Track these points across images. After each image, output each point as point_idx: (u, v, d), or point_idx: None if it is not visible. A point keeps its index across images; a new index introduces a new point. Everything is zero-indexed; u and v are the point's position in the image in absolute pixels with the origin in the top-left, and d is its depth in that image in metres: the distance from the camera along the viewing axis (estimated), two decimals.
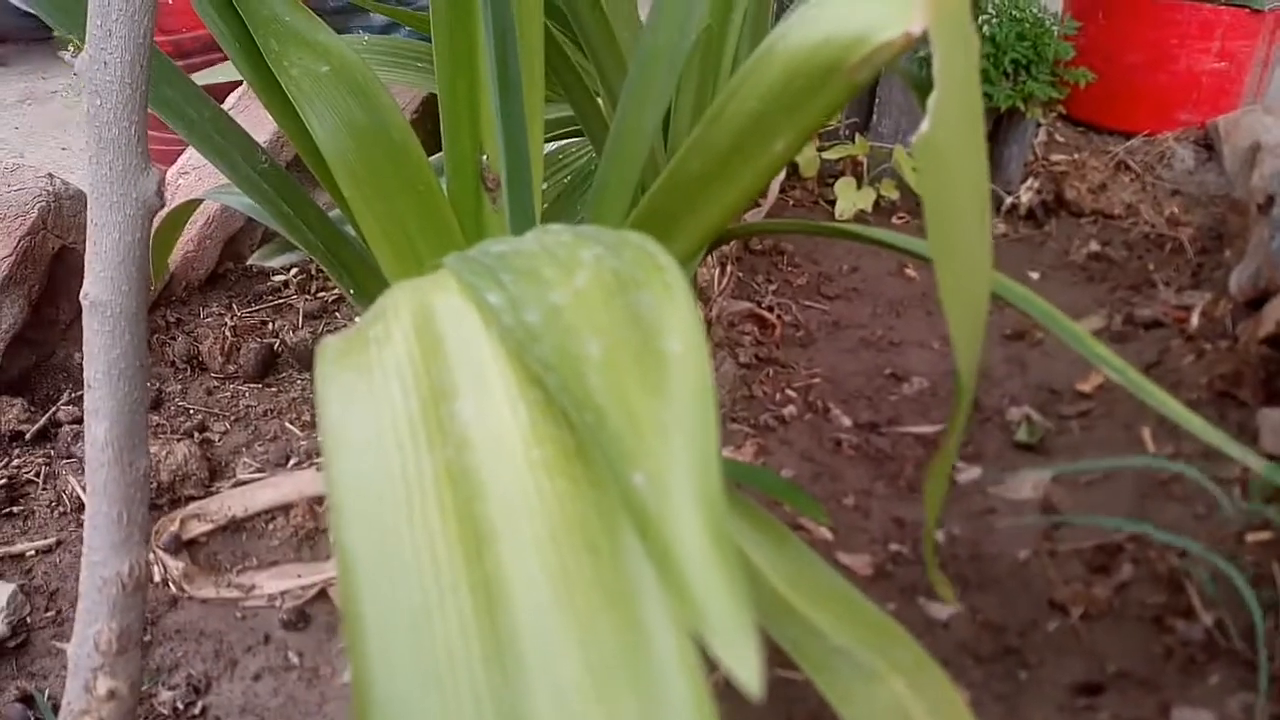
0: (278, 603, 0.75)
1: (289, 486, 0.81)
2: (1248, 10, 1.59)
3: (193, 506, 0.80)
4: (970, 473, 0.99)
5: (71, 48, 0.48)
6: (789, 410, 1.08)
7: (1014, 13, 1.39)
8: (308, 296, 1.12)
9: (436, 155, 1.25)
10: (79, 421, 0.90)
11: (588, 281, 0.32)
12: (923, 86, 0.58)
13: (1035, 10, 1.40)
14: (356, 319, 1.02)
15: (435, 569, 0.24)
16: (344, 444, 0.27)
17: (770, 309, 1.29)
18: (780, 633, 0.55)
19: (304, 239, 0.68)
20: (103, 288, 0.49)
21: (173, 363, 0.99)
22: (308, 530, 0.80)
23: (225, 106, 1.21)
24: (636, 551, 0.24)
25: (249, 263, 1.02)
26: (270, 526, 0.80)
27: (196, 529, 0.79)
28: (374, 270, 0.69)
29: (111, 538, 0.52)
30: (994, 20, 1.40)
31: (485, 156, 0.70)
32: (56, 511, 0.81)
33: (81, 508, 0.81)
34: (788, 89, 0.43)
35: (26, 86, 2.18)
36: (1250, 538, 0.79)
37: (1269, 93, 1.73)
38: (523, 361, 0.29)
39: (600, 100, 0.93)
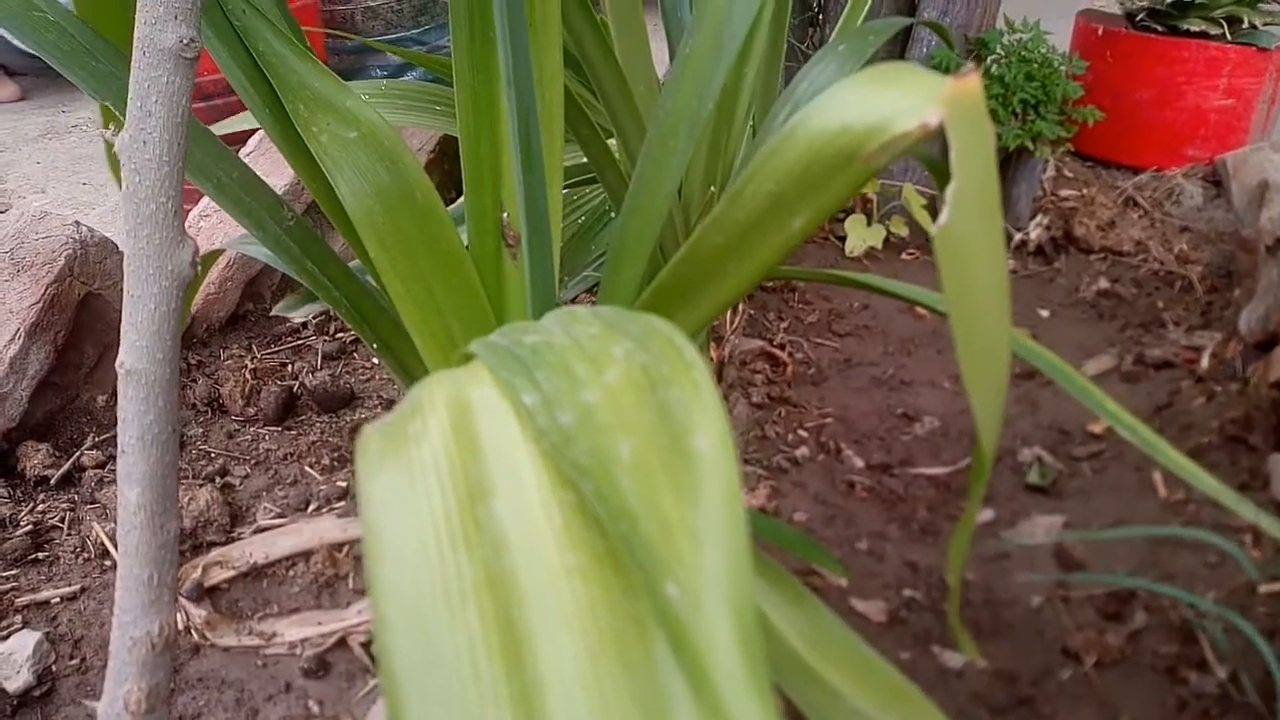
0: (298, 650, 0.76)
1: (309, 533, 0.82)
2: (1254, 48, 1.61)
3: (215, 553, 0.81)
4: (983, 515, 1.00)
5: (112, 126, 0.50)
6: (801, 451, 1.09)
7: (1023, 53, 1.41)
8: (326, 338, 1.14)
9: (457, 203, 1.27)
10: (103, 466, 0.92)
11: (618, 379, 0.33)
12: (936, 165, 0.60)
13: (1044, 51, 1.42)
14: (374, 360, 1.03)
15: (477, 679, 0.25)
16: (386, 549, 0.28)
17: (782, 346, 1.30)
18: (799, 694, 0.56)
19: (329, 296, 0.70)
20: (138, 357, 0.51)
21: (194, 405, 1.01)
22: (328, 576, 0.81)
23: (247, 150, 1.23)
24: (669, 663, 0.25)
25: (272, 313, 1.03)
26: (291, 573, 0.81)
27: (219, 576, 0.80)
28: (397, 324, 0.71)
29: (142, 599, 0.54)
30: (1003, 60, 1.42)
31: (506, 214, 0.72)
32: (81, 558, 0.82)
33: (106, 554, 0.82)
34: (807, 173, 0.44)
35: (47, 120, 2.21)
36: (1264, 588, 0.79)
37: (1276, 129, 1.74)
38: (556, 463, 0.31)
39: (615, 149, 0.95)
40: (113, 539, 0.82)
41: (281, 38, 0.63)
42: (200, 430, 0.98)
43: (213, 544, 0.84)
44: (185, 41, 0.47)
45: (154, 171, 0.48)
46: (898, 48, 1.52)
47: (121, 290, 0.99)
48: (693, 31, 0.65)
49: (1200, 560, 0.87)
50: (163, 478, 0.52)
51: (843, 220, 1.57)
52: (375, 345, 0.73)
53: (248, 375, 1.02)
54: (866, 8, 1.26)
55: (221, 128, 1.11)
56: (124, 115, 0.61)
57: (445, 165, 1.47)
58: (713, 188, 0.93)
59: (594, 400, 0.32)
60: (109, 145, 0.71)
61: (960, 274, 0.39)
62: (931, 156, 0.63)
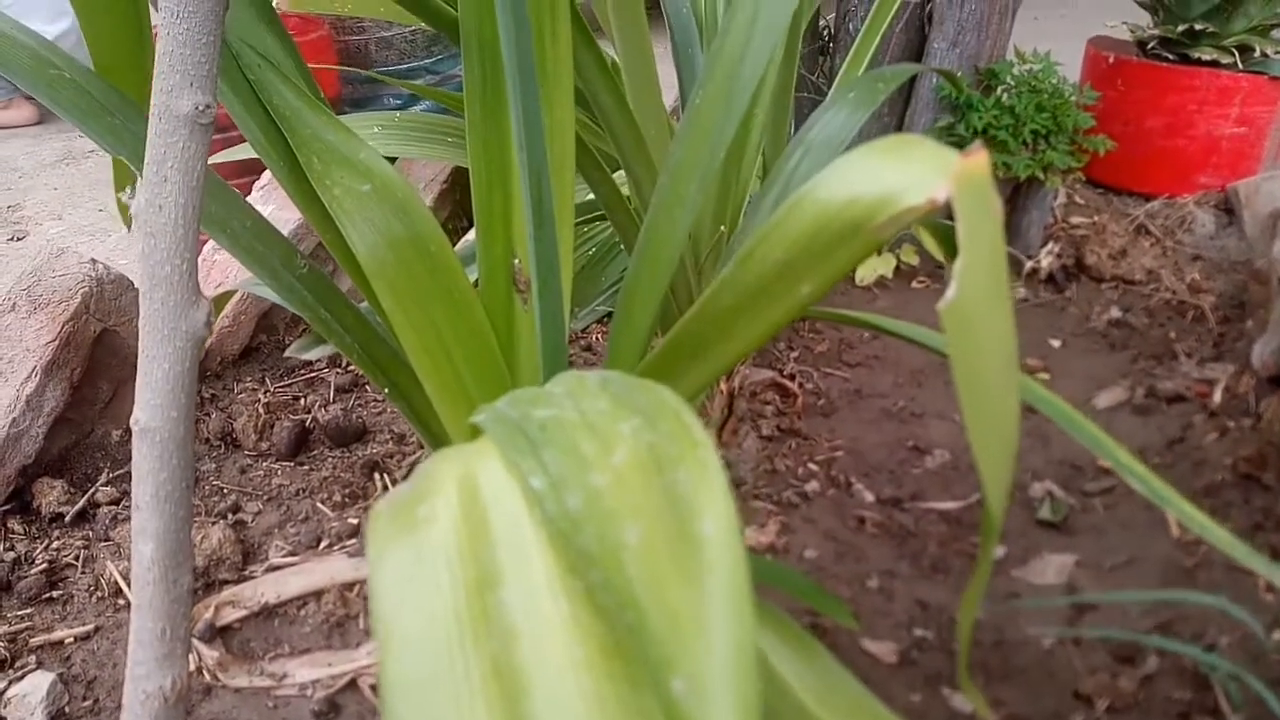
0: (309, 692, 0.76)
1: (321, 573, 0.82)
2: (1266, 76, 1.61)
3: (227, 593, 0.81)
4: (994, 552, 0.99)
5: (129, 189, 0.50)
6: (811, 486, 1.09)
7: (1033, 84, 1.41)
8: (339, 370, 1.15)
9: (468, 237, 1.28)
10: (117, 502, 0.92)
11: (626, 460, 0.33)
12: (945, 233, 0.60)
13: (1054, 81, 1.42)
14: (384, 396, 1.03)
15: None
16: (395, 641, 0.28)
17: (792, 377, 1.30)
18: None
19: (341, 342, 0.70)
20: (152, 415, 0.51)
21: (207, 440, 1.01)
22: (339, 617, 0.81)
23: (261, 183, 1.25)
24: None
25: (286, 355, 1.04)
26: (302, 612, 0.82)
27: (231, 615, 0.81)
28: (408, 369, 0.71)
29: (155, 652, 0.54)
30: (1013, 91, 1.42)
31: (517, 260, 0.72)
32: (95, 596, 0.83)
33: (119, 593, 0.83)
34: (814, 241, 0.44)
35: (64, 145, 2.23)
36: (1277, 635, 0.78)
37: None
38: (564, 549, 0.31)
39: (625, 189, 0.95)
40: (126, 578, 0.82)
41: (296, 91, 0.64)
42: (213, 465, 0.99)
43: (225, 582, 0.85)
44: (201, 108, 0.47)
45: (169, 235, 0.48)
46: (904, 82, 1.52)
47: (136, 329, 1.00)
48: (703, 82, 0.65)
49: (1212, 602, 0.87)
50: (176, 533, 0.53)
51: None
52: (387, 390, 0.73)
53: (261, 410, 1.03)
54: (878, 40, 1.27)
55: (235, 153, 1.13)
56: (138, 169, 0.62)
57: (457, 195, 1.48)
58: (722, 227, 0.94)
59: (602, 484, 0.32)
60: (122, 205, 0.72)
61: (968, 348, 0.40)
62: (939, 223, 0.63)
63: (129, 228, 0.80)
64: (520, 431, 0.36)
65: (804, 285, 0.47)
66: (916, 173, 0.41)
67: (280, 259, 0.69)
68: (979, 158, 0.39)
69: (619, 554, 0.30)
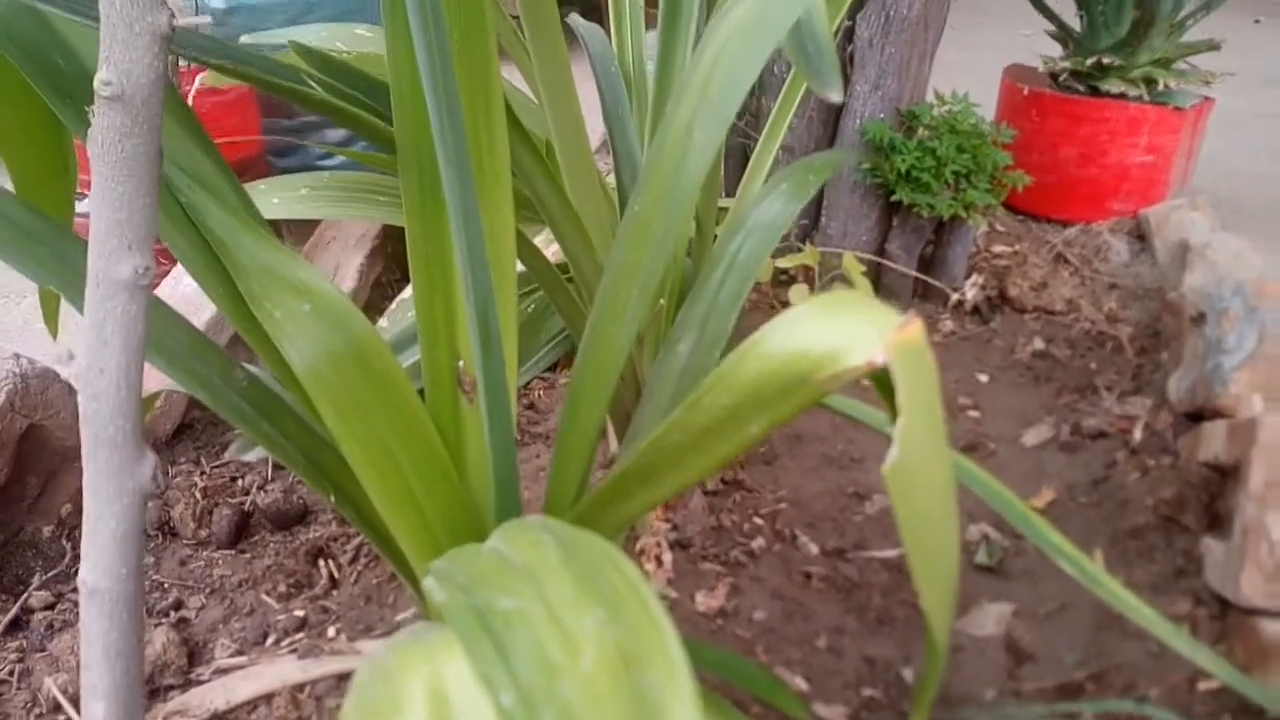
0: None
1: (270, 676, 0.81)
2: (1171, 107, 1.68)
3: (175, 702, 0.80)
4: None
5: (68, 352, 0.49)
6: (758, 542, 1.10)
7: (953, 125, 1.45)
8: None
9: (403, 299, 1.27)
10: (51, 608, 0.90)
11: (594, 664, 0.34)
12: (885, 387, 0.62)
13: (972, 121, 1.46)
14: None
15: None
16: None
17: None
18: None
19: (284, 454, 0.70)
20: (100, 575, 0.50)
21: (145, 531, 0.99)
22: None
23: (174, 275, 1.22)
24: None
25: (225, 458, 1.02)
26: (253, 717, 0.80)
27: None
28: (355, 478, 0.71)
29: None
30: (934, 132, 1.46)
31: (462, 363, 0.72)
32: (33, 714, 0.80)
33: (59, 708, 0.81)
34: (761, 392, 0.46)
35: None
36: (1202, 685, 0.82)
37: (1192, 182, 1.82)
38: None
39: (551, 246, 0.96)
40: (65, 692, 0.80)
41: (230, 210, 0.63)
42: (152, 559, 0.96)
43: (170, 688, 0.83)
44: (140, 270, 0.47)
45: (112, 397, 0.47)
46: (832, 117, 1.56)
47: (63, 420, 0.97)
48: (640, 191, 0.66)
49: (1143, 648, 0.91)
50: (128, 690, 0.52)
51: (787, 284, 1.60)
52: (334, 497, 0.72)
53: (198, 495, 1.01)
54: (804, 88, 1.29)
55: None
56: (67, 298, 0.61)
57: (389, 249, 1.47)
58: (662, 300, 0.95)
59: (572, 694, 0.33)
60: (50, 310, 0.71)
61: (912, 503, 0.41)
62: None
63: (55, 336, 0.78)
64: (485, 629, 0.36)
65: (752, 426, 0.48)
66: (856, 336, 0.42)
67: (219, 374, 0.68)
68: (913, 328, 0.41)
69: None
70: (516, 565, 0.41)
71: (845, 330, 0.43)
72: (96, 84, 0.43)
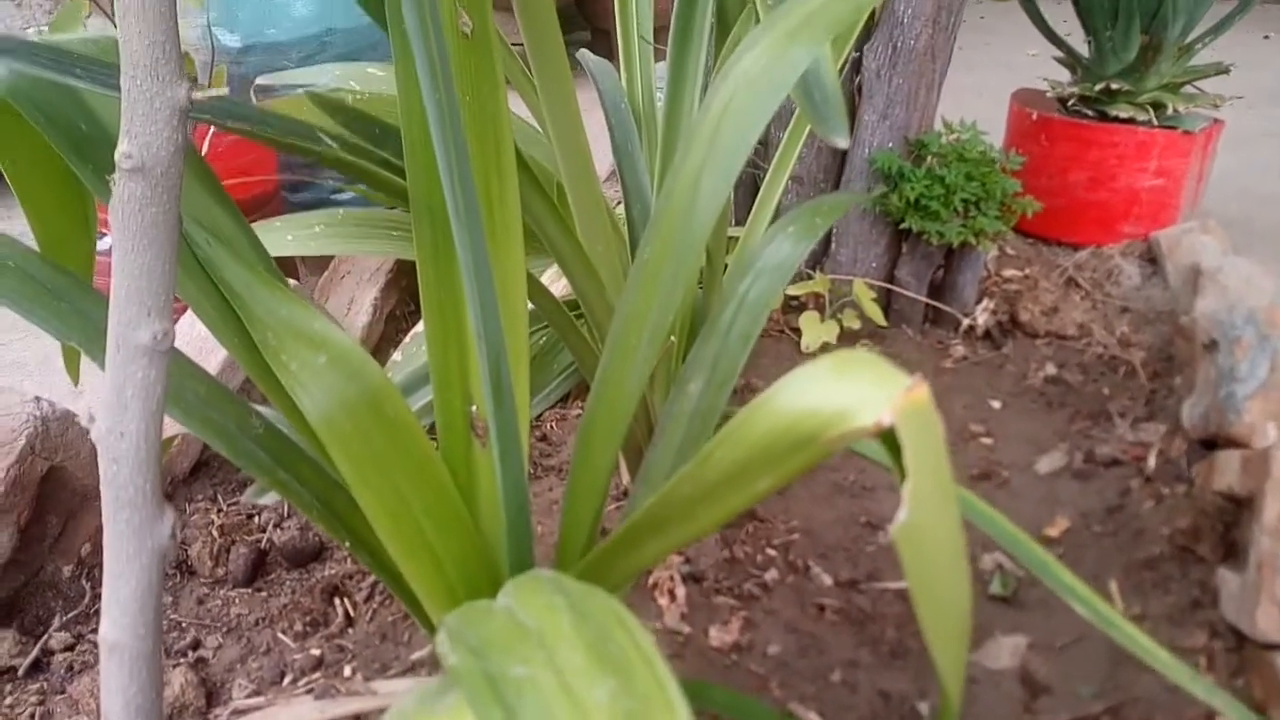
0: None
1: (287, 717, 0.82)
2: (1180, 131, 1.68)
3: None
4: None
5: (90, 414, 0.50)
6: (771, 574, 1.10)
7: (961, 152, 1.46)
8: None
9: (416, 333, 1.28)
10: (72, 649, 0.91)
11: None
12: (893, 446, 0.62)
13: (981, 149, 1.47)
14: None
15: None
16: None
17: None
18: None
19: (300, 500, 0.71)
20: (120, 632, 0.51)
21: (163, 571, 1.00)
22: None
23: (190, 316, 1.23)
24: None
25: (242, 500, 1.04)
26: None
27: None
28: (368, 522, 0.71)
29: None
30: (943, 160, 1.46)
31: (475, 408, 0.73)
32: None
33: None
34: (770, 449, 0.46)
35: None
36: None
37: (1203, 203, 1.82)
38: None
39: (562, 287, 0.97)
40: None
41: (246, 265, 0.64)
42: (170, 598, 0.97)
43: None
44: (159, 336, 0.48)
45: (131, 459, 0.48)
46: (839, 152, 1.57)
47: (83, 461, 0.99)
48: (650, 239, 0.67)
49: (1160, 683, 0.90)
50: None
51: (798, 311, 1.60)
52: (348, 543, 0.73)
53: (215, 533, 1.02)
54: (806, 133, 1.30)
55: None
56: (88, 353, 0.62)
57: (403, 282, 1.48)
58: (672, 337, 0.96)
59: None
60: (70, 357, 0.72)
61: (922, 562, 0.42)
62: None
63: (76, 383, 0.80)
64: (497, 697, 0.37)
65: (761, 481, 0.48)
66: (865, 396, 0.43)
67: (235, 423, 0.69)
68: (919, 391, 0.41)
69: None
70: (529, 629, 0.42)
71: (854, 391, 0.43)
72: (118, 156, 0.44)
